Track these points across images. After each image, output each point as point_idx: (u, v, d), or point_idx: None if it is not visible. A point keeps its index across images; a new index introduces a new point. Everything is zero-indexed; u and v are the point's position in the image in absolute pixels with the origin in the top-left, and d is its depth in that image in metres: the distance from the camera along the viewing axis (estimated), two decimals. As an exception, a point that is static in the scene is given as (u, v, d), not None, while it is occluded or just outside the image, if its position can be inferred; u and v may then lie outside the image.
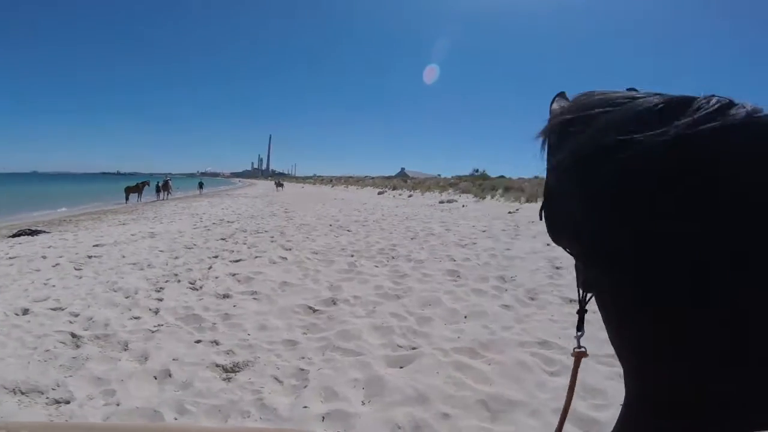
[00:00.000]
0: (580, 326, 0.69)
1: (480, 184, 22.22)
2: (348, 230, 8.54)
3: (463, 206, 14.60)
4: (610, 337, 0.53)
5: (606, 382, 2.19)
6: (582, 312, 0.66)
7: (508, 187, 19.10)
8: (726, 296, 0.39)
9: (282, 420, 2.03)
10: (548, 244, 6.54)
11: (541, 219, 0.68)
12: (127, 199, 22.23)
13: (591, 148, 0.47)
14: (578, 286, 0.57)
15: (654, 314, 0.44)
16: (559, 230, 0.59)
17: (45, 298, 3.96)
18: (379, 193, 26.48)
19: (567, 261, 5.33)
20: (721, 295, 0.39)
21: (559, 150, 0.56)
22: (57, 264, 5.52)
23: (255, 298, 3.95)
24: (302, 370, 2.52)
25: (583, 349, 0.71)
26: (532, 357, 2.62)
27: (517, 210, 12.71)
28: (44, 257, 6.05)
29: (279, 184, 38.89)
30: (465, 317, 3.38)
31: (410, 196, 22.56)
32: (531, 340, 2.88)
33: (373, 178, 57.80)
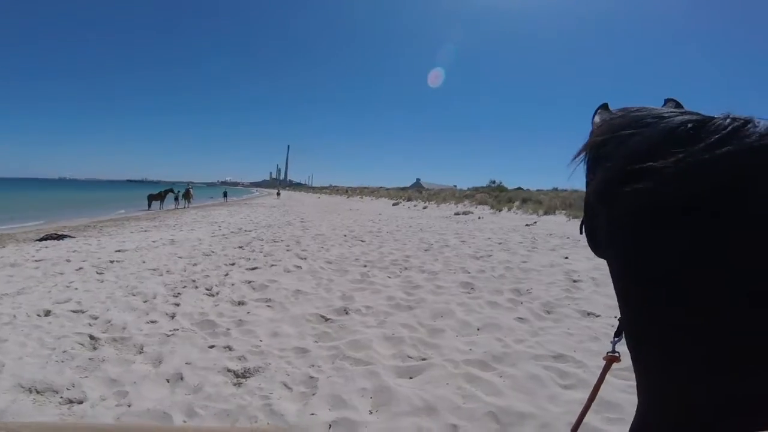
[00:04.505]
0: (618, 332, 0.70)
1: (497, 195, 22.02)
2: (362, 241, 8.55)
3: (479, 218, 14.45)
4: (628, 346, 0.55)
5: (621, 395, 2.14)
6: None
7: (526, 199, 18.88)
8: (721, 306, 0.40)
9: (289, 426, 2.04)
10: (566, 258, 6.42)
11: (581, 233, 0.70)
12: (149, 206, 22.88)
13: (617, 174, 0.49)
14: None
15: (669, 318, 0.45)
16: (597, 243, 0.64)
17: (67, 300, 4.09)
18: (394, 204, 26.46)
19: (585, 275, 5.21)
20: (718, 306, 0.40)
21: (593, 170, 0.60)
22: (80, 268, 5.71)
23: (269, 306, 3.99)
24: (312, 377, 2.53)
25: (617, 354, 0.72)
26: (545, 370, 2.57)
27: (535, 223, 12.52)
28: (68, 261, 6.27)
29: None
30: (478, 329, 3.33)
31: (425, 207, 22.49)
32: (545, 354, 2.82)
33: (387, 189, 57.86)
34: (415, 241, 8.41)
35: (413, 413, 2.12)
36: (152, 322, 3.54)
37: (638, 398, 0.51)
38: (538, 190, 25.70)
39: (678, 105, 0.70)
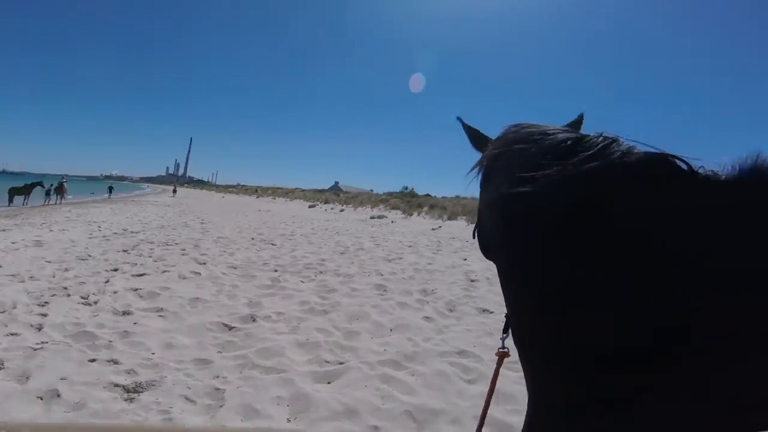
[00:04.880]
0: (506, 329, 0.76)
1: (408, 201, 22.98)
2: (272, 244, 8.21)
3: (392, 222, 14.91)
4: (514, 343, 0.59)
5: (516, 387, 2.34)
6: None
7: (433, 205, 20.03)
8: (586, 307, 0.44)
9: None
10: (465, 259, 6.94)
11: (474, 238, 0.78)
12: (10, 201, 19.02)
13: (507, 184, 0.57)
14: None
15: (547, 317, 0.50)
16: (487, 248, 0.72)
17: None
18: (310, 207, 25.91)
19: (481, 274, 5.68)
20: (582, 307, 0.45)
21: (488, 182, 0.68)
22: None
23: (160, 315, 3.63)
24: (218, 389, 2.37)
25: (506, 350, 0.77)
26: (451, 366, 2.73)
27: (440, 227, 13.32)
28: None
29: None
30: (390, 330, 3.42)
31: (342, 210, 22.47)
32: (450, 350, 3.00)
33: (303, 190, 56.19)
34: (332, 245, 8.36)
35: (334, 418, 2.11)
36: (13, 334, 3.01)
37: (528, 394, 0.55)
38: (443, 197, 27.40)
39: (579, 120, 0.81)
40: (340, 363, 2.77)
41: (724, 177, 0.41)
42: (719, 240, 0.38)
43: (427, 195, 29.35)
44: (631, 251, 0.42)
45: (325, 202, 28.80)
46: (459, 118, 0.84)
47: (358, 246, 8.23)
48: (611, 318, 0.42)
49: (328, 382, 2.52)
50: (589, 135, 0.53)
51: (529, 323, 0.53)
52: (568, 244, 0.46)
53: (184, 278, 5.00)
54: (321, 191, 51.95)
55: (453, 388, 2.45)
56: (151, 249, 7.09)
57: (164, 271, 5.32)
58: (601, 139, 0.50)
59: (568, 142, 0.53)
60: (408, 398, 2.32)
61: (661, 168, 0.44)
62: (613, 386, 0.41)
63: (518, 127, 0.66)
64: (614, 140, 0.49)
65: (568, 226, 0.47)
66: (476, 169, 0.73)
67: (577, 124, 0.80)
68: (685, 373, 0.38)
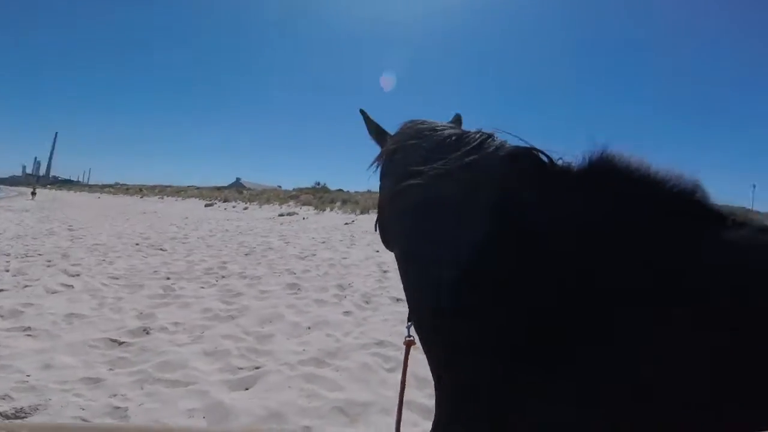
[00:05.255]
0: (410, 318, 0.77)
1: (321, 196, 22.64)
2: (161, 249, 7.37)
3: (304, 219, 14.60)
4: (415, 330, 0.62)
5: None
6: None
7: (346, 200, 20.12)
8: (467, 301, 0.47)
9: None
10: (377, 251, 7.11)
11: (376, 230, 0.81)
12: None
13: (401, 177, 0.59)
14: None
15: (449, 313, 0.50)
16: (386, 238, 0.76)
17: None
18: (207, 206, 23.86)
19: (392, 265, 5.85)
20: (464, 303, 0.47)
21: (386, 175, 0.72)
22: None
23: (29, 335, 3.07)
24: (118, 407, 2.12)
25: (411, 338, 0.80)
26: (372, 357, 2.76)
27: (353, 221, 13.43)
28: None
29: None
30: (308, 328, 3.34)
31: (246, 208, 21.17)
32: (370, 342, 3.04)
33: (199, 188, 51.12)
34: (234, 246, 7.83)
35: (260, 423, 2.00)
36: None
37: (434, 383, 0.56)
38: (356, 192, 27.59)
39: (458, 119, 0.88)
40: (256, 368, 2.62)
41: (575, 168, 0.47)
42: (569, 228, 0.43)
43: (340, 190, 29.29)
44: (504, 237, 0.45)
45: (225, 201, 26.90)
46: (362, 111, 0.86)
47: (266, 246, 7.86)
48: (500, 306, 0.44)
49: (246, 389, 2.37)
50: (469, 131, 0.57)
51: (426, 312, 0.56)
52: (451, 232, 0.49)
53: (53, 293, 4.26)
54: (220, 189, 48.04)
55: (377, 379, 2.48)
56: (7, 261, 5.86)
57: (26, 286, 4.46)
58: (479, 134, 0.54)
59: (453, 138, 0.57)
60: (336, 394, 2.29)
61: (526, 160, 0.49)
62: (507, 383, 0.42)
63: (413, 124, 0.70)
64: (490, 135, 0.54)
65: (452, 215, 0.50)
66: (376, 164, 0.76)
67: (457, 121, 0.87)
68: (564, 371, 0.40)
